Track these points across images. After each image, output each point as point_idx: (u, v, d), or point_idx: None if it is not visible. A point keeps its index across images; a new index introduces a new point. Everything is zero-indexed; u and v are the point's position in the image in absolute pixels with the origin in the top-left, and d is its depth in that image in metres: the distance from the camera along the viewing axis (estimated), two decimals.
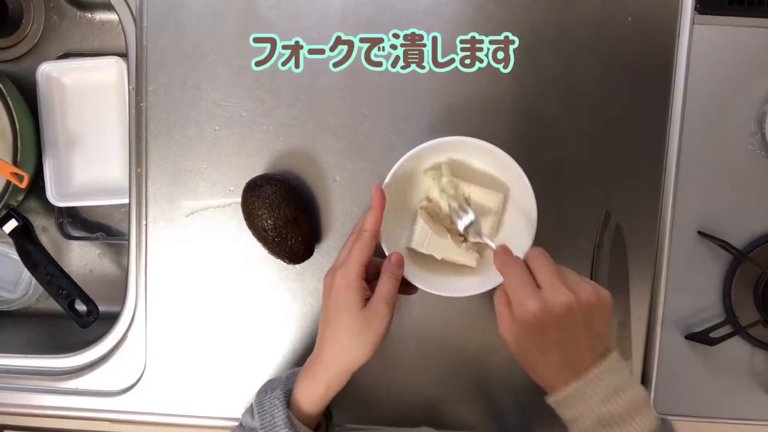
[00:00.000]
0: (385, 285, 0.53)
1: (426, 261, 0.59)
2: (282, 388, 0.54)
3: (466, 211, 0.56)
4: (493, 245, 0.53)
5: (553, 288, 0.47)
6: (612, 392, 0.45)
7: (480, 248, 0.59)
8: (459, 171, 0.59)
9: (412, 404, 0.66)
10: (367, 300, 0.52)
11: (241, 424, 0.56)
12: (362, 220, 0.55)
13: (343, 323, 0.52)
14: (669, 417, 0.64)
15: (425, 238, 0.57)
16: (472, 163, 0.59)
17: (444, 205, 0.58)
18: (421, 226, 0.57)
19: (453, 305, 0.65)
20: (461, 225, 0.56)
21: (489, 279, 0.56)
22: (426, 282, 0.56)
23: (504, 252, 0.51)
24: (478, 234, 0.56)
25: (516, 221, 0.58)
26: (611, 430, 0.45)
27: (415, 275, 0.56)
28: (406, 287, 0.56)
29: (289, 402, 0.53)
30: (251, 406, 0.55)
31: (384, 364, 0.66)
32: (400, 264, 0.54)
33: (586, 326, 0.47)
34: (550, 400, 0.48)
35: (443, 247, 0.58)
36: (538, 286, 0.48)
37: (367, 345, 0.51)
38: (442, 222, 0.59)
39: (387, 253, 0.55)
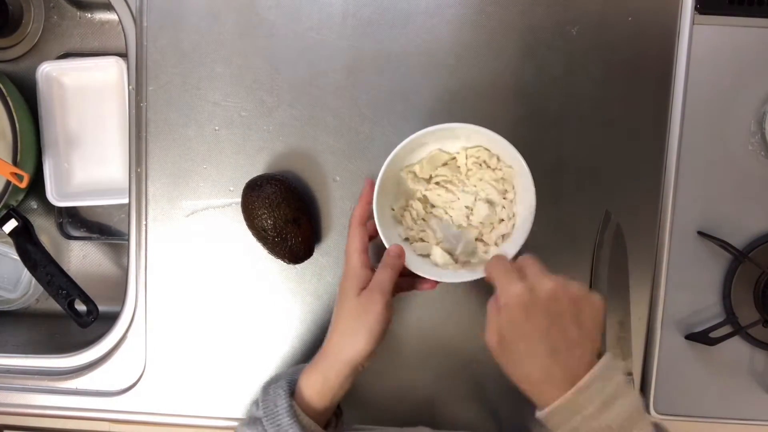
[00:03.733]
0: (380, 273, 0.53)
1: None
2: (287, 378, 0.54)
3: (456, 239, 0.57)
4: (481, 273, 0.53)
5: (540, 276, 0.46)
6: (607, 400, 0.43)
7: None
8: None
9: (411, 404, 0.66)
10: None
11: (248, 417, 0.56)
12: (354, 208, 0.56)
13: (342, 311, 0.53)
14: (669, 417, 0.64)
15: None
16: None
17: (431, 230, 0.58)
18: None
19: (452, 306, 0.65)
20: (458, 251, 0.57)
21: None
22: (428, 270, 0.56)
23: (496, 256, 0.52)
24: (473, 254, 0.57)
25: (516, 203, 0.58)
26: None
27: (417, 265, 0.55)
28: (418, 283, 0.57)
29: (292, 392, 0.53)
30: (257, 398, 0.55)
31: (383, 365, 0.66)
32: (399, 255, 0.54)
33: (574, 318, 0.45)
34: (540, 414, 0.45)
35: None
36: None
37: (361, 333, 0.51)
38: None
39: (386, 246, 0.55)
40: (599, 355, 0.46)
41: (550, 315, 0.45)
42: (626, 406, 0.43)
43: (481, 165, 0.58)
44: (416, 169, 0.58)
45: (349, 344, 0.52)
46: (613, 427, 0.43)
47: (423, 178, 0.59)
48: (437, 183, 0.59)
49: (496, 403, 0.66)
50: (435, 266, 0.57)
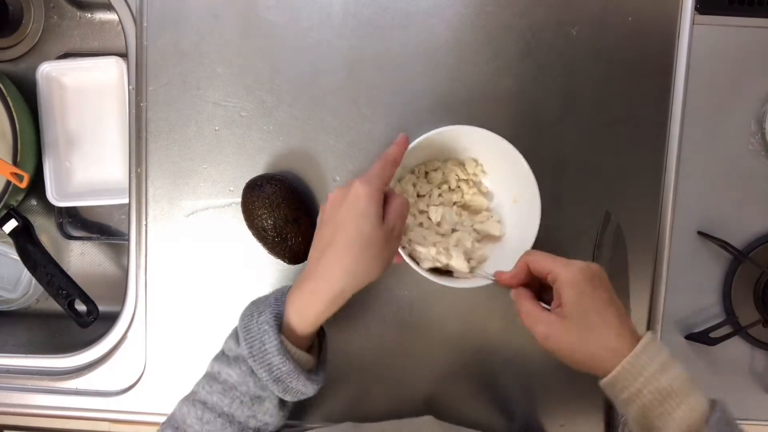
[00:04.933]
0: (399, 203, 0.49)
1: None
2: (271, 311, 0.49)
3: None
4: (491, 277, 0.54)
5: (565, 260, 0.48)
6: (665, 364, 0.44)
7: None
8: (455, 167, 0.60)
9: (414, 398, 0.66)
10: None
11: (222, 352, 0.51)
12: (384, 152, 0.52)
13: (361, 233, 0.47)
14: None
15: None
16: (477, 155, 0.61)
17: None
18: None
19: (455, 300, 0.65)
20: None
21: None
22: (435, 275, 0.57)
23: (530, 252, 0.51)
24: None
25: (519, 208, 0.59)
26: (672, 402, 0.43)
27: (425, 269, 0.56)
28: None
29: (280, 326, 0.48)
30: (235, 331, 0.50)
31: (386, 359, 0.66)
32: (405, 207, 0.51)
33: (613, 291, 0.48)
34: (605, 380, 0.46)
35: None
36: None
37: (380, 262, 0.48)
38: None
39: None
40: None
41: (607, 289, 0.47)
42: (681, 370, 0.45)
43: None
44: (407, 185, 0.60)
45: (367, 273, 0.47)
46: (674, 388, 0.43)
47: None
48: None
49: (497, 398, 0.66)
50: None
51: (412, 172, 0.62)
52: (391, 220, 0.48)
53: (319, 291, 0.48)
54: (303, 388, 0.48)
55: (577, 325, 0.46)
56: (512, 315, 0.65)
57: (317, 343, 0.53)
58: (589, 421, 0.65)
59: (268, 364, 0.46)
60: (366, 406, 0.66)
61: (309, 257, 0.51)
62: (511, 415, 0.66)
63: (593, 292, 0.46)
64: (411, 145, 0.54)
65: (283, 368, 0.47)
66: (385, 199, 0.50)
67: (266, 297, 0.52)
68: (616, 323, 0.46)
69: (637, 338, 0.46)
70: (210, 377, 0.50)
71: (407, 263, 0.55)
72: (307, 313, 0.48)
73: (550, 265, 0.48)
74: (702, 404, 0.44)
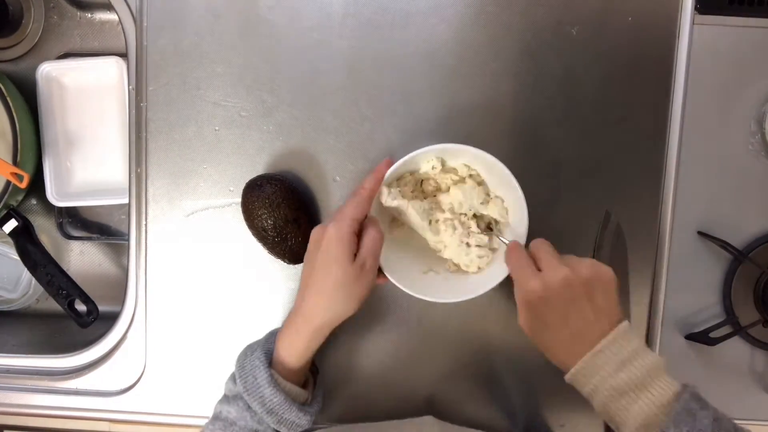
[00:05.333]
0: (371, 239, 0.53)
1: (418, 268, 0.60)
2: (262, 349, 0.54)
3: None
4: (506, 241, 0.56)
5: (551, 266, 0.50)
6: (624, 361, 0.46)
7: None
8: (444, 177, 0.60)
9: (415, 398, 0.66)
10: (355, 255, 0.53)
11: (224, 394, 0.55)
12: (362, 180, 0.56)
13: (332, 276, 0.51)
14: None
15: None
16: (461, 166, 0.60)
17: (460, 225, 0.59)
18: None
19: (452, 304, 0.65)
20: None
21: (487, 279, 0.57)
22: (419, 288, 0.57)
23: (513, 246, 0.54)
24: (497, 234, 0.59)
25: (508, 222, 0.59)
26: (628, 398, 0.46)
27: (408, 282, 0.57)
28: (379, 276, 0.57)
29: (270, 361, 0.53)
30: (233, 374, 0.54)
31: (387, 359, 0.66)
32: (380, 233, 0.55)
33: (589, 299, 0.49)
34: (567, 377, 0.50)
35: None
36: (540, 270, 0.50)
37: (354, 299, 0.52)
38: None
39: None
40: (617, 323, 0.49)
41: (566, 303, 0.49)
42: (642, 366, 0.46)
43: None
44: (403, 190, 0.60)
45: (341, 310, 0.52)
46: (629, 384, 0.46)
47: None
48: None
49: (498, 398, 0.66)
50: (419, 280, 0.59)
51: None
52: (362, 256, 0.52)
53: (301, 328, 0.53)
54: (297, 419, 0.52)
55: (534, 335, 0.52)
56: (512, 316, 0.65)
57: (312, 379, 0.57)
58: (589, 421, 0.65)
59: (261, 396, 0.50)
60: (367, 406, 0.66)
61: (297, 296, 0.55)
62: (512, 415, 0.66)
63: (546, 314, 0.49)
64: (393, 167, 0.56)
65: (275, 399, 0.50)
66: (362, 230, 0.54)
67: (259, 339, 0.57)
68: (568, 342, 0.49)
69: (592, 348, 0.48)
70: (214, 418, 0.55)
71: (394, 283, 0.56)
72: (293, 348, 0.53)
73: (516, 275, 0.52)
74: (664, 394, 0.45)
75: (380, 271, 0.56)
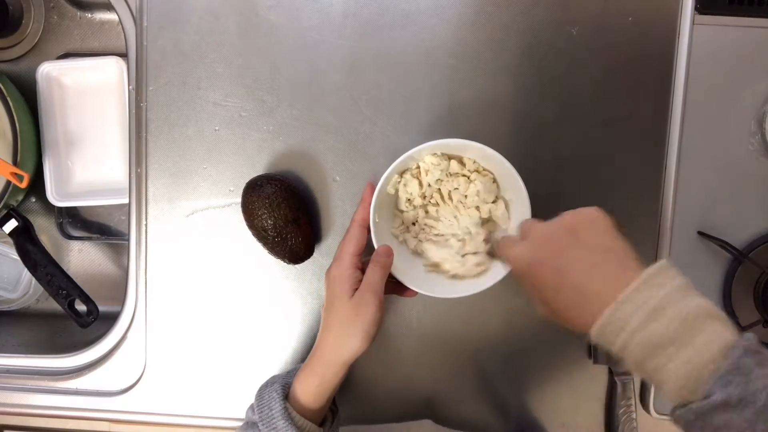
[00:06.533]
0: (371, 273, 0.53)
1: (421, 264, 0.59)
2: (281, 382, 0.55)
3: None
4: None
5: (531, 228, 0.48)
6: (656, 308, 0.38)
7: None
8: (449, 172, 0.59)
9: (414, 400, 0.66)
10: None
11: (245, 422, 0.56)
12: (354, 214, 0.57)
13: (335, 313, 0.53)
14: (669, 417, 0.64)
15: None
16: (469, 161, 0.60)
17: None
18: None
19: (454, 302, 0.65)
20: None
21: (489, 277, 0.56)
22: (423, 285, 0.57)
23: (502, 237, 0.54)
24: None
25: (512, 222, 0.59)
26: (664, 354, 0.38)
27: (412, 279, 0.56)
28: (402, 289, 0.57)
29: (287, 395, 0.54)
30: (252, 404, 0.55)
31: (385, 361, 0.66)
32: (388, 254, 0.55)
33: (578, 242, 0.44)
34: (592, 340, 0.42)
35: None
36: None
37: (356, 334, 0.52)
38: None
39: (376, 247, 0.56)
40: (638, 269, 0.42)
41: (554, 255, 0.44)
42: (680, 313, 0.38)
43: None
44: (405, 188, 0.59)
45: (346, 346, 0.52)
46: (664, 337, 0.38)
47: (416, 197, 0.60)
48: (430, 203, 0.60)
49: (497, 398, 0.66)
50: (423, 278, 0.58)
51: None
52: (360, 292, 0.53)
53: (315, 366, 0.54)
54: None
55: (541, 305, 0.47)
56: (512, 315, 0.65)
57: (331, 417, 0.57)
58: (589, 420, 0.65)
59: (274, 427, 0.51)
60: (367, 407, 0.66)
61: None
62: (512, 416, 0.66)
63: (540, 272, 0.45)
64: (404, 156, 0.55)
65: None
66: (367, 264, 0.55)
67: (282, 372, 0.58)
68: (574, 295, 0.43)
69: (618, 291, 0.40)
70: None
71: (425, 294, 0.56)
72: (307, 384, 0.53)
73: (503, 251, 0.51)
74: (711, 347, 0.37)
75: (402, 285, 0.56)
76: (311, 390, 0.53)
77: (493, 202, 0.59)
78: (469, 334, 0.66)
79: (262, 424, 0.52)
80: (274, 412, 0.52)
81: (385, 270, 0.54)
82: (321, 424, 0.55)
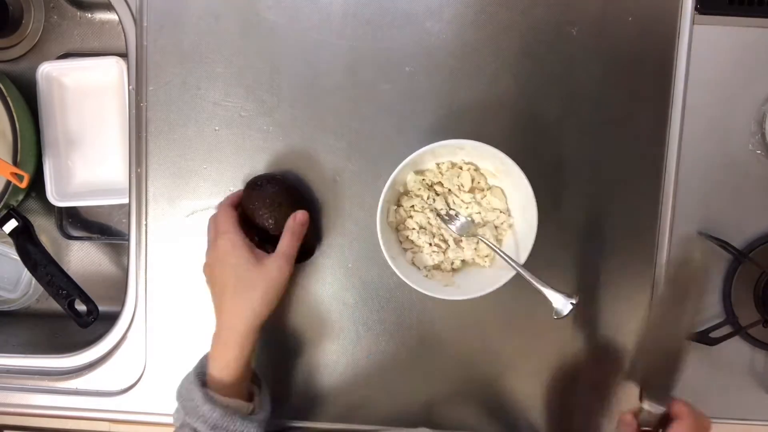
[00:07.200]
0: (285, 241, 0.57)
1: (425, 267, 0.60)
2: (194, 371, 0.55)
3: (455, 216, 0.58)
4: (500, 252, 0.55)
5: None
6: None
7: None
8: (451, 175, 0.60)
9: (410, 406, 0.66)
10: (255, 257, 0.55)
11: (175, 429, 0.56)
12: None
13: (240, 281, 0.54)
14: None
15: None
16: (477, 164, 0.60)
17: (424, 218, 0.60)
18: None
19: (451, 308, 0.65)
20: (454, 227, 0.58)
21: (495, 278, 0.57)
22: (423, 285, 0.57)
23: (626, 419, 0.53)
24: (473, 234, 0.57)
25: (516, 222, 0.59)
26: None
27: (419, 283, 0.57)
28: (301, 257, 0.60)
29: (203, 382, 0.54)
30: (176, 407, 0.55)
31: (382, 366, 0.66)
32: (303, 223, 0.58)
33: None
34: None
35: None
36: None
37: (267, 297, 0.54)
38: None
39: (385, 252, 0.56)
40: None
41: None
42: None
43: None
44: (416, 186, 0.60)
45: (257, 310, 0.53)
46: None
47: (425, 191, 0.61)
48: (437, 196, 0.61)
49: (494, 405, 0.66)
50: (424, 278, 0.59)
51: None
52: (274, 256, 0.55)
53: (228, 340, 0.54)
54: (243, 428, 0.52)
55: None
56: (510, 321, 0.65)
57: (258, 391, 0.57)
58: (589, 427, 0.65)
59: (201, 415, 0.51)
60: (365, 411, 0.66)
61: (216, 319, 0.57)
62: (511, 422, 0.66)
63: None
64: (414, 154, 0.56)
65: (214, 415, 0.51)
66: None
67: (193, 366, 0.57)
68: None
69: None
70: None
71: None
72: (224, 361, 0.53)
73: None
74: None
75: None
76: (231, 365, 0.53)
77: (483, 190, 0.60)
78: (469, 340, 0.65)
79: (189, 417, 0.51)
80: (196, 401, 0.52)
81: (299, 238, 0.58)
82: (251, 399, 0.55)
